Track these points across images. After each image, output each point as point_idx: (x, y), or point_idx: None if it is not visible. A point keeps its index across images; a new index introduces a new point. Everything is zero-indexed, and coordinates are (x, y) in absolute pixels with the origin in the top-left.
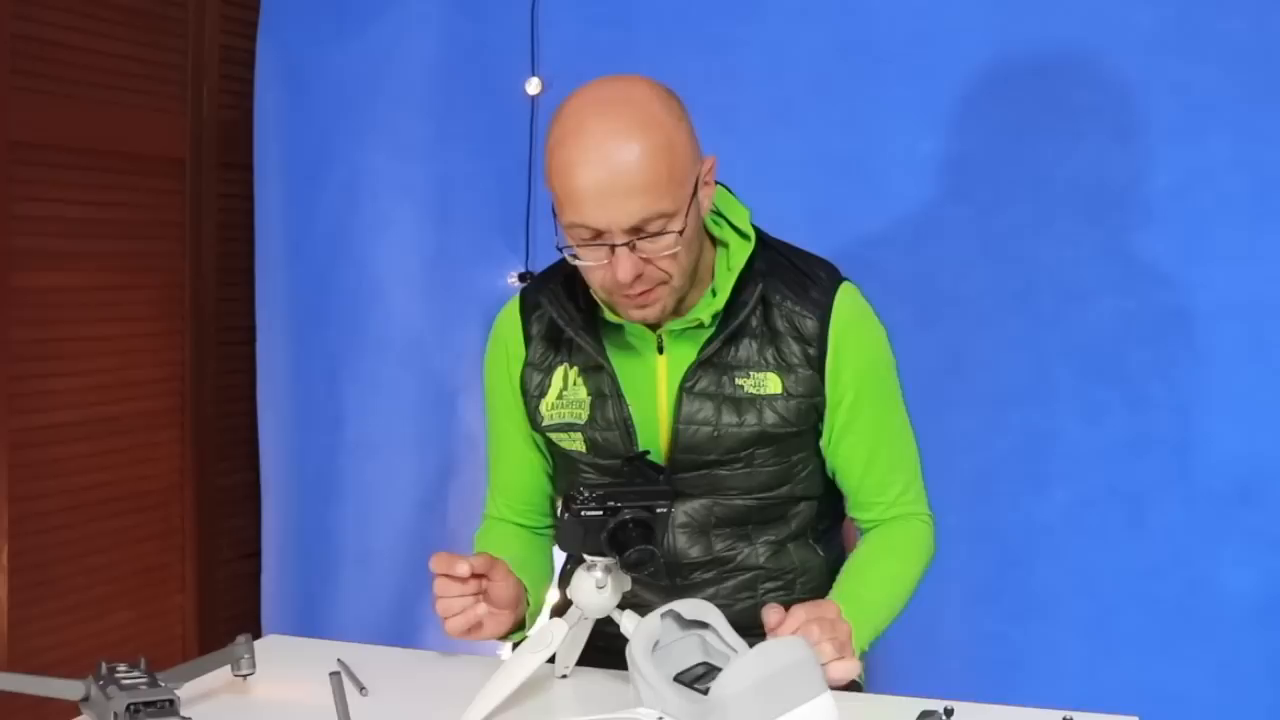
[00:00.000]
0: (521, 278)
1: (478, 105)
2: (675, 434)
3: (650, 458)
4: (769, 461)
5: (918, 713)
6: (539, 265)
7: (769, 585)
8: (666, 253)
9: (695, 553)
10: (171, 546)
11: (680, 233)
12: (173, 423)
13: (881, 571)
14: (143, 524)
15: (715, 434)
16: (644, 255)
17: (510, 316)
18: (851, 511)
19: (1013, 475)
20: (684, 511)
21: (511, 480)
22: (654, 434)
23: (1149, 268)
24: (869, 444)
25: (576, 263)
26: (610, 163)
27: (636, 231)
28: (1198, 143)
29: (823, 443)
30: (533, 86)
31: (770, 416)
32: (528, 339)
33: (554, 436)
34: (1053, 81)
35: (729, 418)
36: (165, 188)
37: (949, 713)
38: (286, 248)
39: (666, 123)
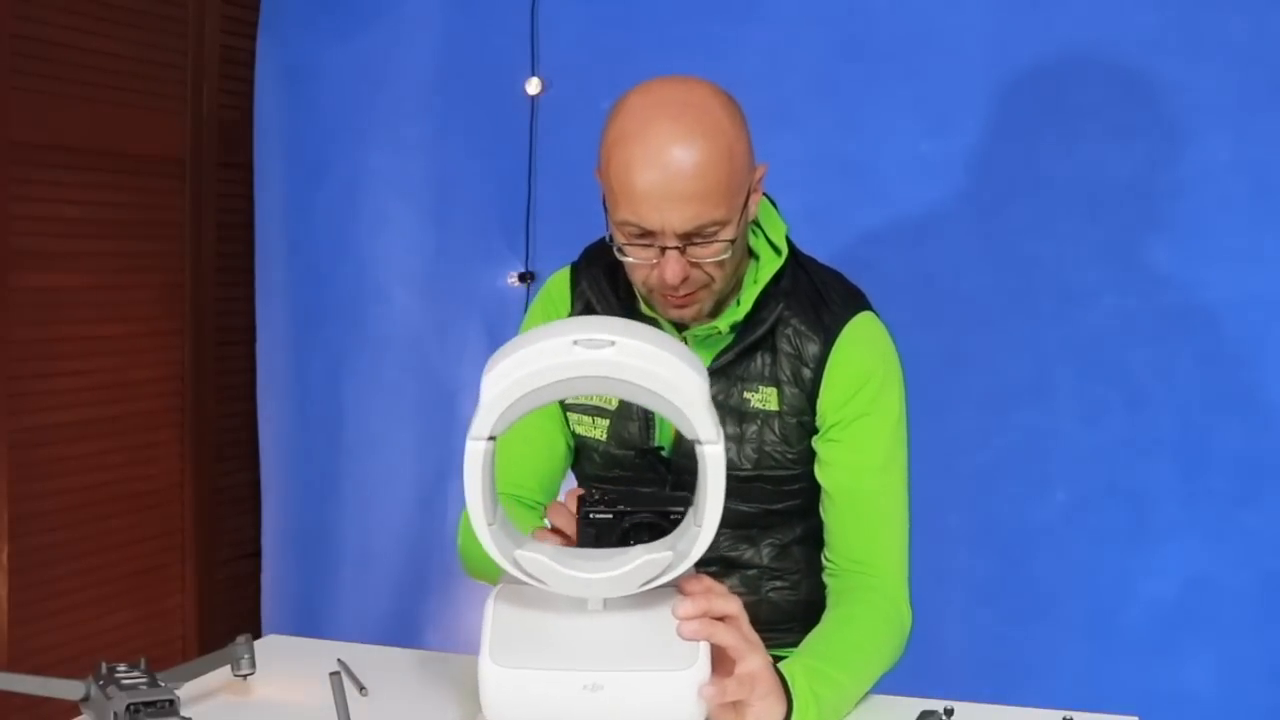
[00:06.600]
0: (521, 278)
1: (478, 105)
2: (679, 437)
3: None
4: (771, 481)
5: (918, 713)
6: (539, 265)
7: (772, 583)
8: (716, 259)
9: None
10: (171, 546)
11: (732, 241)
12: (173, 423)
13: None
14: (143, 524)
15: None
16: (693, 259)
17: (561, 287)
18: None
19: (1013, 475)
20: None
21: (527, 452)
22: (664, 432)
23: (1149, 268)
24: (843, 479)
25: (622, 258)
26: (671, 167)
27: (689, 236)
28: (1198, 143)
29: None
30: (533, 86)
31: (770, 436)
32: (573, 314)
33: (575, 418)
34: (1053, 81)
35: (731, 429)
36: (165, 188)
37: (949, 713)
38: (286, 247)
39: (729, 130)
